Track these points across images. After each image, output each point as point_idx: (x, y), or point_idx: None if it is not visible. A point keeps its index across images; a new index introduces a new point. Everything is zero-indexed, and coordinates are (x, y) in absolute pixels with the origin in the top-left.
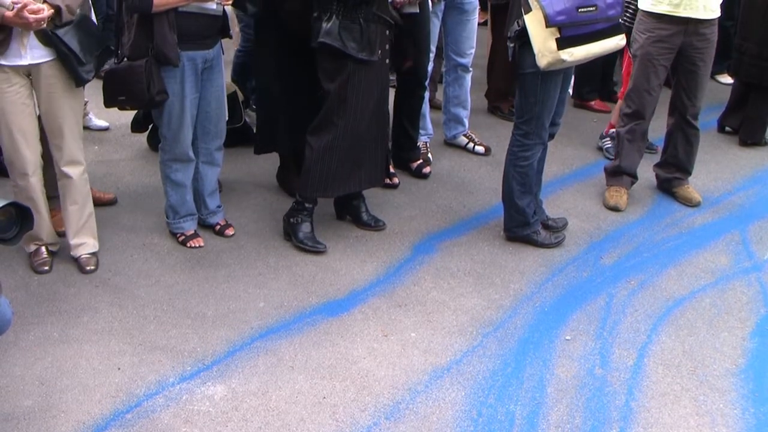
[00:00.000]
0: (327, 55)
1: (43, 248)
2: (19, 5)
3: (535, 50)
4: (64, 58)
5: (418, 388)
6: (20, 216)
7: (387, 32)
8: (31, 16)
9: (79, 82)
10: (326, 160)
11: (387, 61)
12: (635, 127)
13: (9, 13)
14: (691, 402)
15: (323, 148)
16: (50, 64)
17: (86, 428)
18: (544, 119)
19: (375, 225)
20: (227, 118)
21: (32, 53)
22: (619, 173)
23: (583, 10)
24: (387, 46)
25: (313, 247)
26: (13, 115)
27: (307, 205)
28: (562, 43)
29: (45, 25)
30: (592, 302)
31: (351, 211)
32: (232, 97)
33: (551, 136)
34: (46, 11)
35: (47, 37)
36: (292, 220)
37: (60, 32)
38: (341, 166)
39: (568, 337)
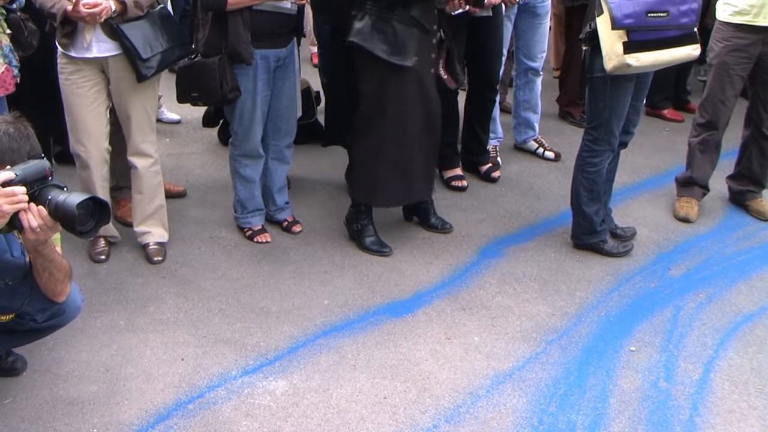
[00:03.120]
0: (358, 54)
1: (101, 239)
2: None
3: (603, 53)
4: (127, 52)
5: (479, 392)
6: (98, 209)
7: (434, 41)
8: (84, 10)
9: (139, 77)
10: (373, 168)
11: (438, 70)
12: (708, 138)
13: (69, 7)
14: (759, 421)
15: (367, 155)
16: (118, 57)
17: (149, 416)
18: (613, 126)
19: (442, 227)
20: (300, 115)
21: (99, 47)
22: (691, 184)
23: (653, 15)
24: (433, 55)
25: (379, 252)
26: (79, 107)
27: (363, 207)
28: (630, 47)
29: (102, 19)
30: (659, 314)
31: (418, 213)
32: (305, 94)
33: (624, 145)
34: (105, 5)
35: (113, 30)
36: (354, 225)
37: (124, 26)
38: (387, 176)
39: (632, 348)
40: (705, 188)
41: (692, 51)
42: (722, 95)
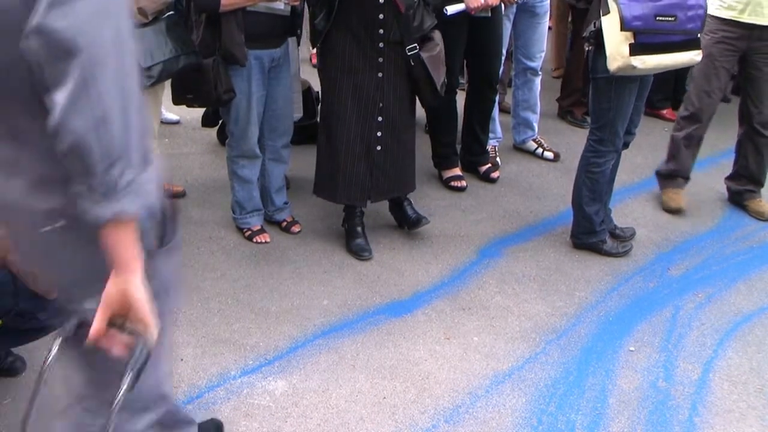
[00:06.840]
0: None
1: None
2: None
3: (608, 53)
4: None
5: (478, 392)
6: None
7: (381, 45)
8: None
9: None
10: (318, 159)
11: (403, 78)
12: (693, 133)
13: None
14: (758, 421)
15: (317, 146)
16: None
17: None
18: (618, 126)
19: (418, 221)
20: (301, 115)
21: None
22: (674, 176)
23: (661, 18)
24: (381, 59)
25: (357, 256)
26: None
27: (352, 209)
28: (635, 49)
29: None
30: (658, 314)
31: (401, 218)
32: (306, 94)
33: (626, 145)
34: None
35: None
36: (343, 226)
37: None
38: (321, 167)
39: (632, 348)
40: (686, 178)
41: (695, 56)
42: (707, 86)
